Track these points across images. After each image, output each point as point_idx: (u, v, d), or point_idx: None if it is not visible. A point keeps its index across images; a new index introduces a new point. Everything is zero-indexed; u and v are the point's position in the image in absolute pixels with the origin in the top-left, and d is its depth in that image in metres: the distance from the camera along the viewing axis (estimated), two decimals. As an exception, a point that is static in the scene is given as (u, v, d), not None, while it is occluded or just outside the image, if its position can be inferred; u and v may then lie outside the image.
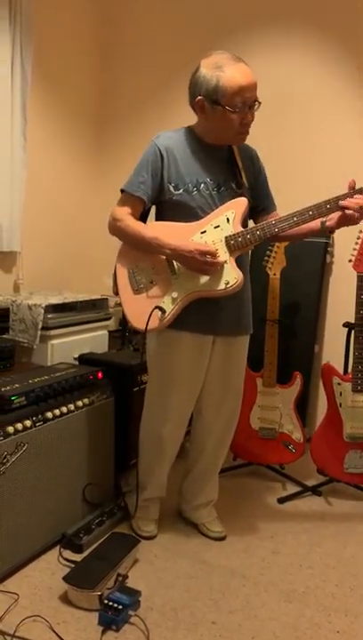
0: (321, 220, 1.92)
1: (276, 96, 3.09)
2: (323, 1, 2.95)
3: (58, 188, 3.35)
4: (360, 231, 2.42)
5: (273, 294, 2.65)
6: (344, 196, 1.85)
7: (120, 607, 1.69)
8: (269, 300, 2.66)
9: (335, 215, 1.89)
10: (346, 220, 1.87)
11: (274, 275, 2.64)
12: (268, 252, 2.64)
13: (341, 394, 2.46)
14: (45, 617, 1.69)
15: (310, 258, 3.01)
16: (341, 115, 2.97)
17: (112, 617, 1.67)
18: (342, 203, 1.84)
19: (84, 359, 2.65)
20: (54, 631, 1.64)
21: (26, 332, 2.67)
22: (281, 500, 2.53)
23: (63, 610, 1.74)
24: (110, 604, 1.70)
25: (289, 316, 2.90)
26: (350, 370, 2.50)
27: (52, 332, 2.67)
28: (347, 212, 1.84)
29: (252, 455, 2.70)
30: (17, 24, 2.82)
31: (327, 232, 1.95)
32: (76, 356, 2.72)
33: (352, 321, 2.46)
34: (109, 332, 3.03)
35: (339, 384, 2.47)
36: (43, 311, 2.63)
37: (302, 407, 2.88)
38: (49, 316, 2.66)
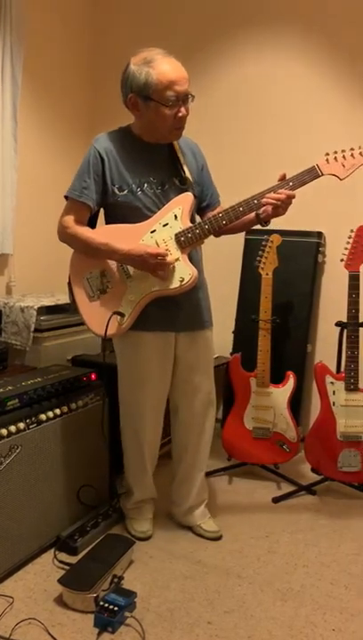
0: (256, 211, 1.94)
1: (262, 93, 3.12)
2: (312, 3, 2.97)
3: (49, 189, 3.34)
4: (352, 230, 2.44)
5: (266, 294, 2.66)
6: (274, 188, 1.89)
7: (116, 609, 1.68)
8: (261, 300, 2.66)
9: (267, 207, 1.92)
10: (275, 212, 1.91)
11: (267, 274, 2.65)
12: (260, 252, 2.65)
13: (334, 393, 2.47)
14: (41, 620, 1.69)
15: (303, 257, 3.02)
16: (326, 112, 2.99)
17: (108, 619, 1.66)
18: (262, 202, 1.88)
19: (78, 361, 2.65)
20: (50, 634, 1.64)
21: (18, 335, 2.66)
22: (276, 500, 2.53)
23: (59, 612, 1.74)
24: (106, 605, 1.70)
25: (282, 315, 2.91)
26: (342, 369, 2.51)
27: (45, 334, 2.66)
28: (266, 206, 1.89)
29: (246, 455, 2.70)
30: (7, 25, 2.81)
31: (263, 223, 1.98)
32: (70, 357, 2.71)
33: (345, 320, 2.47)
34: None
35: (332, 383, 2.48)
36: (35, 313, 2.63)
37: (296, 406, 2.89)
38: (42, 317, 2.66)
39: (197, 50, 3.21)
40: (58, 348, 2.72)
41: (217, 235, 2.07)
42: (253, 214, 1.97)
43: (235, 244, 3.00)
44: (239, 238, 2.50)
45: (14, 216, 2.99)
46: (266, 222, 1.99)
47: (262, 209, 1.92)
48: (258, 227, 2.06)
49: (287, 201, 1.88)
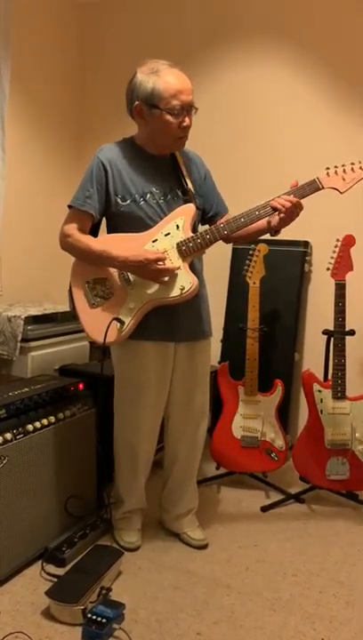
0: (268, 219, 1.96)
1: (251, 103, 3.15)
2: (299, 16, 3.01)
3: (37, 199, 3.34)
4: (338, 240, 2.46)
5: (253, 303, 2.67)
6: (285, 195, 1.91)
7: (104, 621, 1.67)
8: (249, 309, 2.68)
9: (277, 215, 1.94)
10: (283, 219, 1.92)
11: (254, 283, 2.66)
12: (247, 262, 2.67)
13: (321, 401, 2.48)
14: (28, 633, 1.67)
15: (289, 266, 3.04)
16: (320, 122, 3.03)
17: (96, 631, 1.65)
18: (271, 204, 1.90)
19: (66, 370, 2.63)
20: (37, 647, 1.62)
21: (5, 345, 2.64)
22: (264, 509, 2.53)
23: (46, 625, 1.72)
24: (94, 617, 1.68)
25: (269, 324, 2.92)
26: (330, 377, 2.53)
27: (32, 344, 2.65)
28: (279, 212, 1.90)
29: (234, 464, 2.70)
30: (-6, 36, 2.82)
31: (273, 232, 2.00)
32: (57, 367, 2.70)
33: (331, 328, 2.49)
34: (90, 342, 3.02)
35: (319, 391, 2.49)
36: (22, 323, 2.61)
37: (284, 415, 2.90)
38: (29, 327, 2.64)
39: (189, 59, 3.23)
40: (45, 357, 2.71)
41: (227, 241, 2.11)
42: (262, 223, 1.98)
43: (222, 253, 3.01)
44: (227, 247, 2.51)
45: (1, 225, 2.98)
46: (276, 232, 2.00)
47: (273, 217, 1.93)
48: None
49: (292, 209, 1.89)
